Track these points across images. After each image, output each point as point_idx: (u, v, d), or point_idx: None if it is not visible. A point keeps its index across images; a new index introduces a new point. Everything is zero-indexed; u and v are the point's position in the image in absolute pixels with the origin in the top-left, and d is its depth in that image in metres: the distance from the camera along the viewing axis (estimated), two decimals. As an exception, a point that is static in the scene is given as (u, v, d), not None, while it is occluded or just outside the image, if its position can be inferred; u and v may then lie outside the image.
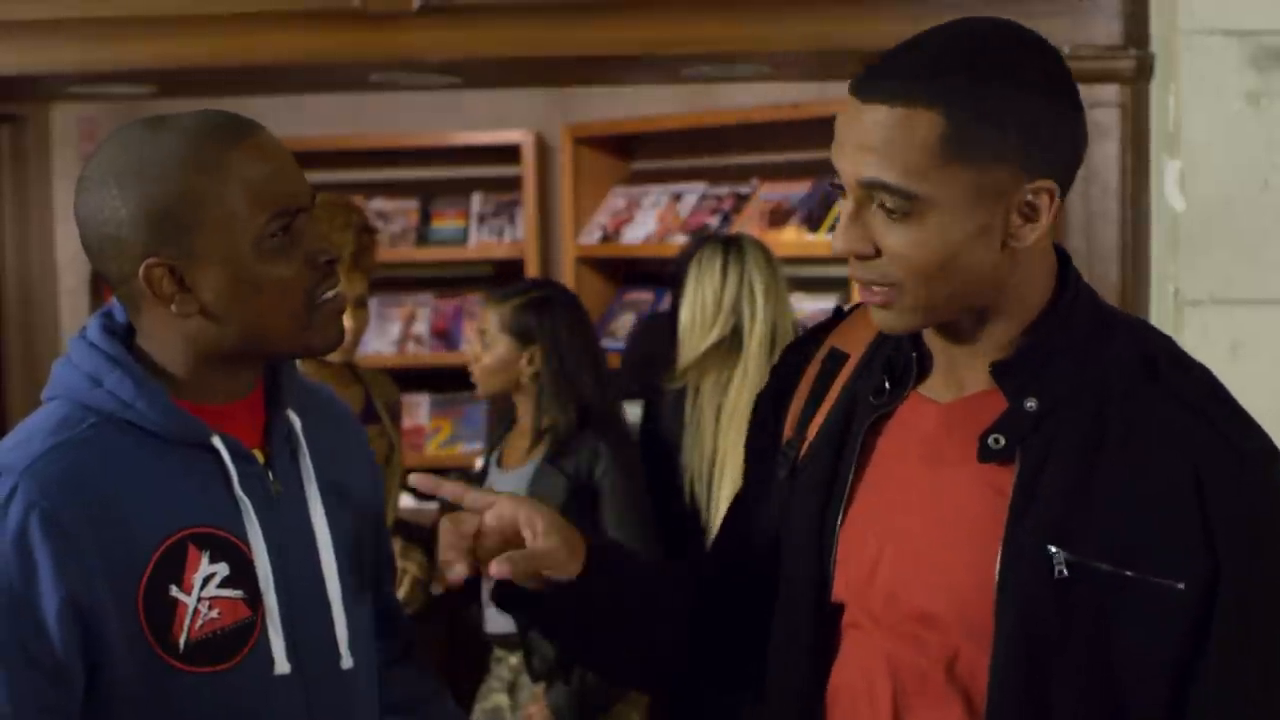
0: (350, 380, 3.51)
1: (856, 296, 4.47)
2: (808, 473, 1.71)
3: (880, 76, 1.54)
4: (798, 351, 1.83)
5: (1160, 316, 3.02)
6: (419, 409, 5.66)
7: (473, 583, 3.46)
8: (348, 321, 3.34)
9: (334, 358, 3.39)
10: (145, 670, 1.62)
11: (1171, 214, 2.95)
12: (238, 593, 1.67)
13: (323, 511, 1.76)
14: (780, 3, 3.21)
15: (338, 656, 1.76)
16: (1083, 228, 3.16)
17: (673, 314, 4.10)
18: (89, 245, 1.67)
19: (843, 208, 1.56)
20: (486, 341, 3.42)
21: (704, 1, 3.23)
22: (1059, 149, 1.56)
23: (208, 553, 1.65)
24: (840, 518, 1.66)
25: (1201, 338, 2.90)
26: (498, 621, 3.41)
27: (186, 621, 1.63)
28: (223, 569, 1.66)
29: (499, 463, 3.51)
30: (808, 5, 3.18)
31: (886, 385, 1.67)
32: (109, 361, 1.66)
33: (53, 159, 5.54)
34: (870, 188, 1.53)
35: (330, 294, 1.70)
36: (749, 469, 1.87)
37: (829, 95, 4.72)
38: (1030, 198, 1.54)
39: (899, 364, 1.67)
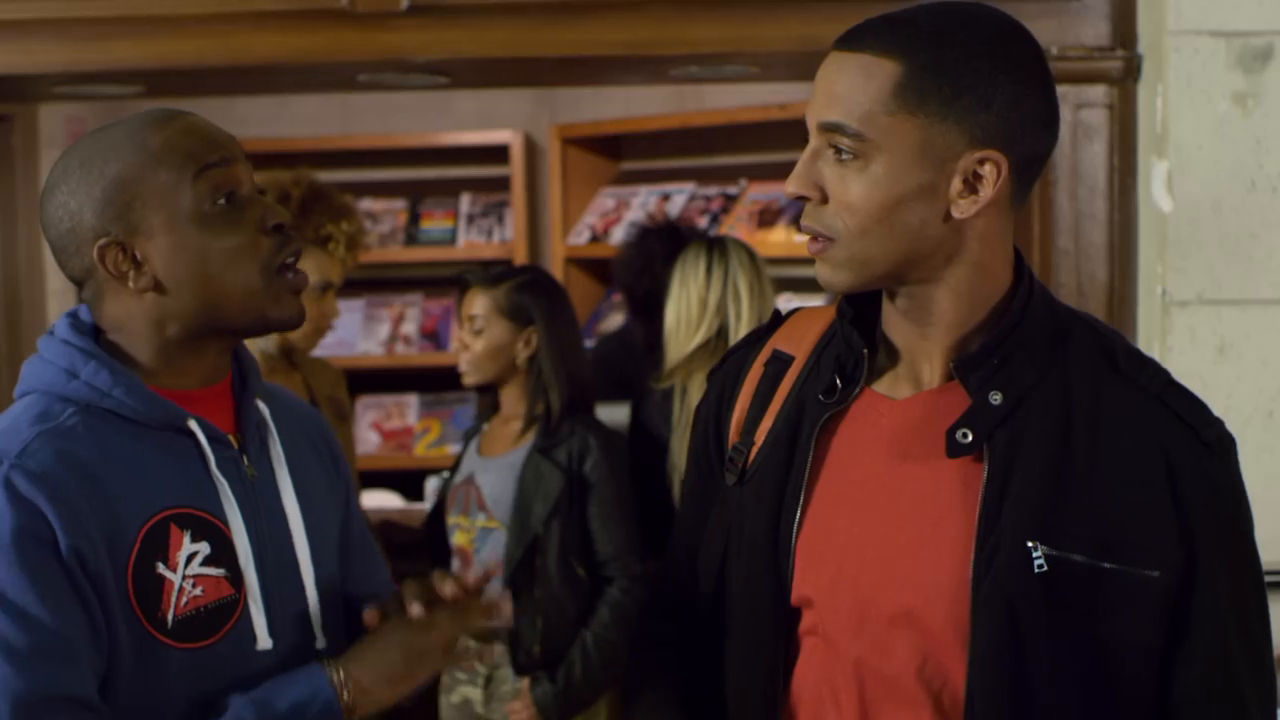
0: (287, 369, 3.45)
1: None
2: (759, 478, 1.70)
3: (858, 30, 1.60)
4: (737, 356, 1.82)
5: (1148, 317, 3.02)
6: (408, 409, 5.66)
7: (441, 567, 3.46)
8: (317, 306, 3.33)
9: (296, 341, 3.36)
10: (136, 646, 1.67)
11: (1159, 215, 2.95)
12: (219, 571, 1.72)
13: (294, 496, 1.82)
14: (767, 3, 3.22)
15: (312, 637, 1.81)
16: (1070, 228, 3.16)
17: (643, 317, 4.10)
18: (54, 247, 1.76)
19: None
20: (479, 327, 3.38)
21: (691, 2, 3.23)
22: (1014, 124, 1.57)
23: (189, 532, 1.71)
24: (797, 520, 1.66)
25: (1189, 338, 2.90)
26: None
27: (173, 599, 1.68)
28: (204, 548, 1.71)
29: (479, 450, 3.50)
30: (795, 6, 3.18)
31: (838, 384, 1.67)
32: (83, 355, 1.72)
33: (40, 159, 5.53)
34: (827, 130, 1.59)
35: (290, 263, 1.75)
36: (691, 481, 1.85)
37: (817, 96, 4.72)
38: (976, 167, 1.56)
39: (849, 362, 1.67)
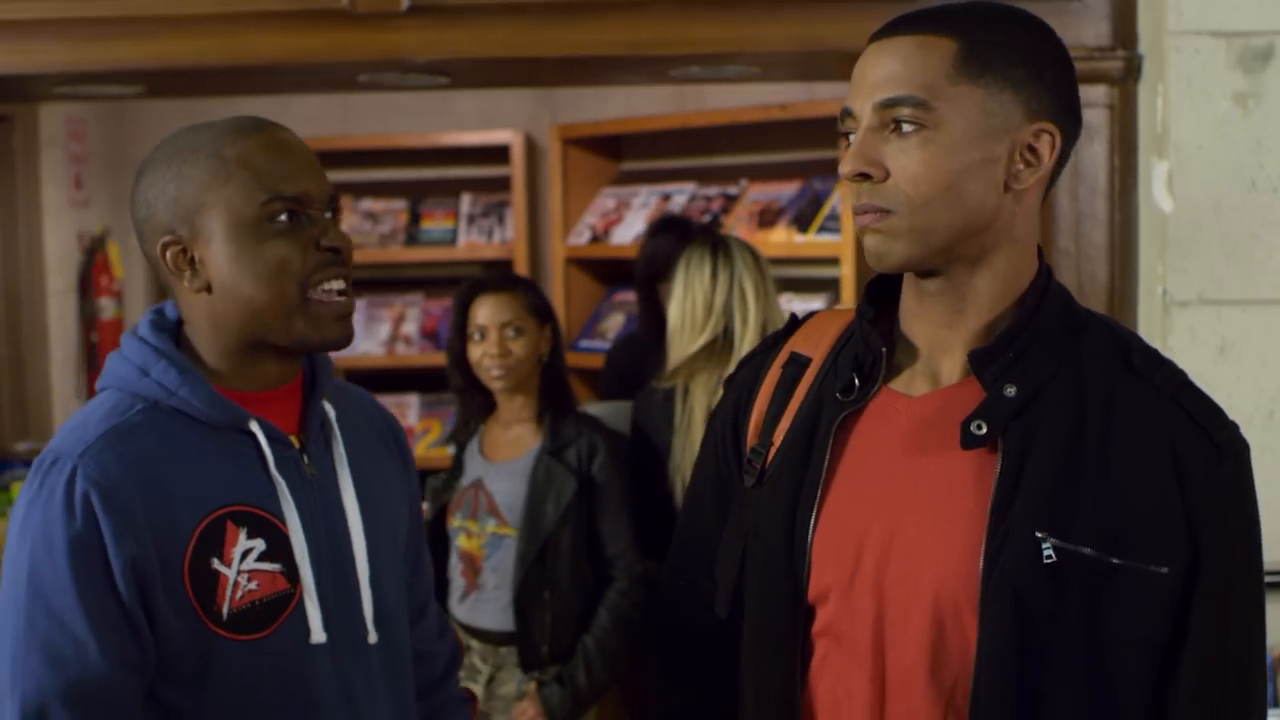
0: None
1: (847, 298, 4.43)
2: (776, 477, 1.71)
3: (901, 19, 1.63)
4: (754, 362, 1.84)
5: (1148, 317, 3.02)
6: (408, 410, 5.66)
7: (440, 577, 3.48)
8: None
9: None
10: (193, 638, 1.74)
11: (1159, 215, 2.95)
12: (275, 566, 1.79)
13: (354, 495, 1.88)
14: (768, 4, 3.21)
15: (365, 632, 1.88)
16: (1071, 228, 3.16)
17: (647, 315, 4.11)
18: (136, 232, 1.84)
19: (853, 140, 1.62)
20: (520, 327, 3.44)
21: (692, 2, 3.22)
22: (1061, 97, 1.62)
23: (245, 529, 1.78)
24: (814, 518, 1.66)
25: (1189, 338, 2.90)
26: (481, 616, 3.43)
27: (228, 592, 1.75)
28: (260, 544, 1.79)
29: (483, 454, 3.51)
30: (796, 6, 3.18)
31: (855, 382, 1.68)
32: (155, 353, 1.81)
33: (41, 159, 5.53)
34: (887, 106, 1.59)
35: (331, 286, 1.80)
36: (700, 490, 1.86)
37: (817, 96, 4.72)
38: (1032, 140, 1.60)
39: (867, 361, 1.69)
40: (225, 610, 1.75)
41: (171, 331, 1.86)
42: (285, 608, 1.80)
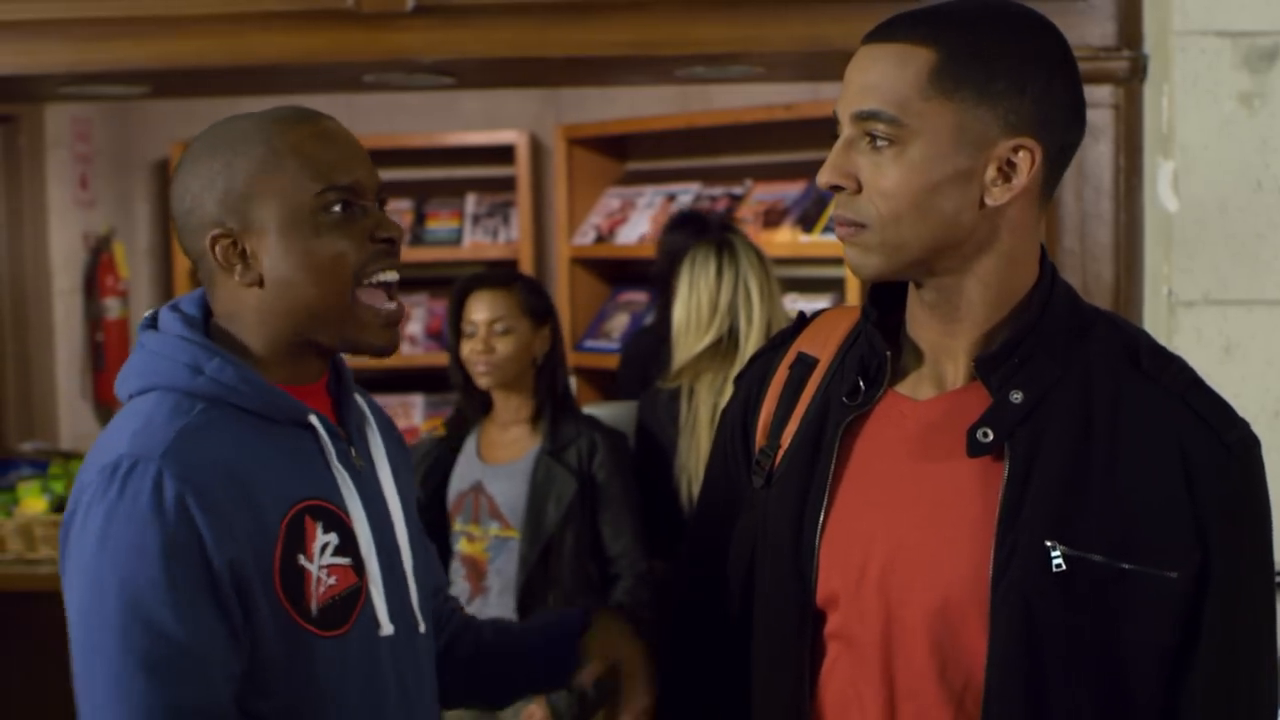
0: None
1: (852, 298, 4.42)
2: (784, 480, 1.70)
3: (889, 23, 1.61)
4: (762, 360, 1.83)
5: (1154, 317, 3.02)
6: (413, 410, 5.66)
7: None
8: None
9: None
10: (287, 638, 1.69)
11: (1164, 215, 2.94)
12: (346, 560, 1.76)
13: (395, 485, 1.87)
14: (773, 4, 3.21)
15: (415, 622, 1.86)
16: (1076, 229, 3.15)
17: (662, 315, 4.12)
18: (175, 225, 1.79)
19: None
20: (506, 326, 3.42)
21: (697, 2, 3.22)
22: (1047, 111, 1.58)
23: (320, 523, 1.74)
24: (821, 521, 1.65)
25: (1195, 339, 2.89)
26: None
27: (313, 589, 1.72)
28: (333, 538, 1.75)
29: (480, 456, 3.50)
30: (800, 6, 3.17)
31: (861, 385, 1.67)
32: (205, 350, 1.74)
33: (46, 159, 5.54)
34: (862, 119, 1.58)
35: (383, 278, 1.78)
36: (712, 491, 1.86)
37: (822, 96, 4.72)
38: (1010, 155, 1.57)
39: (872, 364, 1.67)
40: (313, 607, 1.70)
41: (200, 327, 1.79)
42: (357, 602, 1.76)
